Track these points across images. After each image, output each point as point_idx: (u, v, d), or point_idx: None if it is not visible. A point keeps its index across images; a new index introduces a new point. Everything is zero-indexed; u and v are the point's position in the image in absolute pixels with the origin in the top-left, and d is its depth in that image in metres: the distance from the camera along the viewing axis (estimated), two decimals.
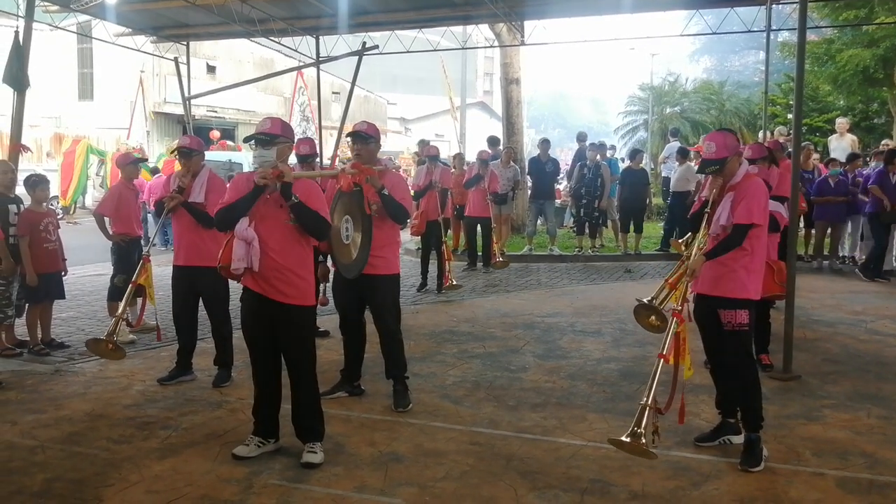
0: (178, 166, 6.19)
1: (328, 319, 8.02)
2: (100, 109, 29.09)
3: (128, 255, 7.91)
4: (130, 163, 8.17)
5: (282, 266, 4.52)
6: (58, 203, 20.07)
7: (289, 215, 4.48)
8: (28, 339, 7.42)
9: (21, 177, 7.82)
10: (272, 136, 4.58)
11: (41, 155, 24.55)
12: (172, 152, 6.29)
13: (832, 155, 13.86)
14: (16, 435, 5.14)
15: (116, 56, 23.11)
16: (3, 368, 6.73)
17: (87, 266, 12.69)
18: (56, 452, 4.83)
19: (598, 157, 14.43)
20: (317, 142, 15.04)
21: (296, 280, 4.57)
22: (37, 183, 7.49)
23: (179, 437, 5.10)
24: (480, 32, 18.82)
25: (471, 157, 13.33)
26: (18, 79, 8.32)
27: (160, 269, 12.20)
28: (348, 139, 5.68)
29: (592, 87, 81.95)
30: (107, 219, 8.02)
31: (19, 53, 8.36)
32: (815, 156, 13.83)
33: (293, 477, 4.45)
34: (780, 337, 6.53)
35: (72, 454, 4.80)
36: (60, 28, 12.90)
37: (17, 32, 8.40)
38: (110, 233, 7.97)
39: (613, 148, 18.48)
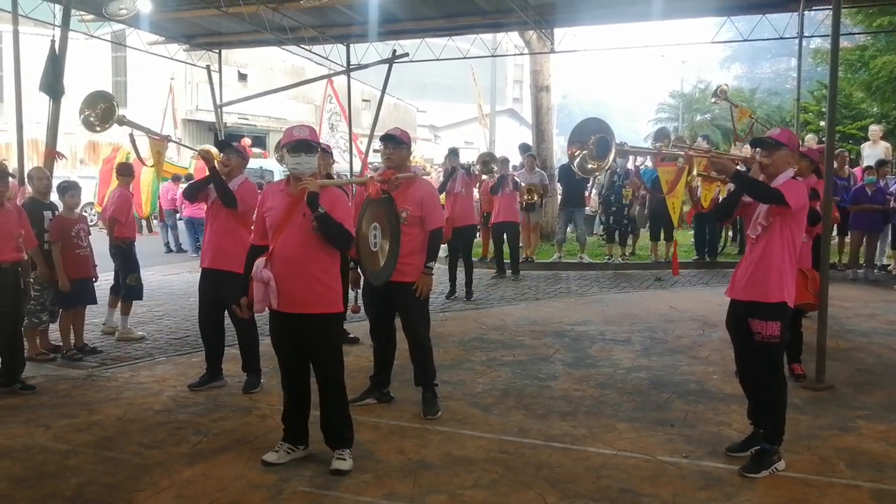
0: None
1: (358, 326, 8.04)
2: (134, 117, 29.17)
3: (132, 256, 8.29)
4: (126, 173, 8.62)
5: (306, 274, 4.51)
6: (92, 209, 20.34)
7: (312, 223, 4.48)
8: (61, 344, 7.51)
9: (56, 183, 7.95)
10: (316, 144, 4.65)
11: (75, 162, 24.92)
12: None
13: (865, 163, 13.67)
14: (49, 439, 5.20)
15: (150, 64, 23.43)
16: (37, 373, 6.81)
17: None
18: (88, 457, 4.88)
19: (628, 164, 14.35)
20: (346, 150, 15.17)
21: (320, 288, 4.56)
22: (66, 189, 7.59)
23: (210, 442, 5.13)
24: (510, 40, 18.85)
25: None
26: (54, 87, 8.45)
27: (190, 275, 12.38)
28: (380, 143, 5.70)
29: (623, 94, 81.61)
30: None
31: (55, 62, 8.49)
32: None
33: (322, 484, 4.45)
34: (813, 346, 6.45)
35: (104, 459, 4.84)
36: (95, 37, 13.09)
37: (53, 41, 8.53)
38: (114, 236, 8.17)
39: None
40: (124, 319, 8.32)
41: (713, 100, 13.09)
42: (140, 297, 8.43)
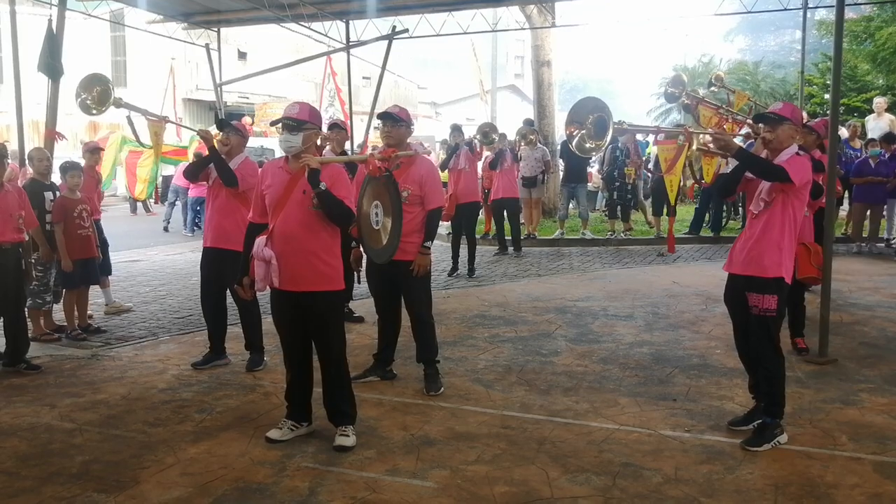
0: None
1: (362, 304, 8.06)
2: (134, 97, 29.11)
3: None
4: (89, 150, 8.57)
5: (306, 251, 4.51)
6: None
7: (313, 201, 4.46)
8: (66, 324, 7.54)
9: (56, 164, 7.94)
10: (300, 121, 4.57)
11: (76, 143, 24.85)
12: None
13: (870, 135, 13.61)
14: (55, 418, 5.23)
15: (149, 43, 23.31)
16: (42, 353, 6.85)
17: (121, 252, 12.86)
18: (93, 435, 4.91)
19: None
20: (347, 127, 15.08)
21: (321, 266, 4.56)
22: (68, 169, 7.59)
23: (214, 420, 5.16)
24: (511, 15, 18.69)
25: None
26: (52, 67, 8.41)
27: (193, 254, 12.39)
28: (378, 122, 5.69)
29: (626, 69, 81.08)
30: None
31: (53, 42, 8.44)
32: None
33: (326, 460, 4.48)
34: (816, 320, 6.45)
35: (109, 437, 4.88)
36: (93, 16, 13.00)
37: (50, 21, 8.48)
38: None
39: None
40: (107, 294, 8.54)
41: (711, 89, 13.05)
42: (109, 272, 8.62)
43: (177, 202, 17.56)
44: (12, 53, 8.34)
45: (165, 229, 17.11)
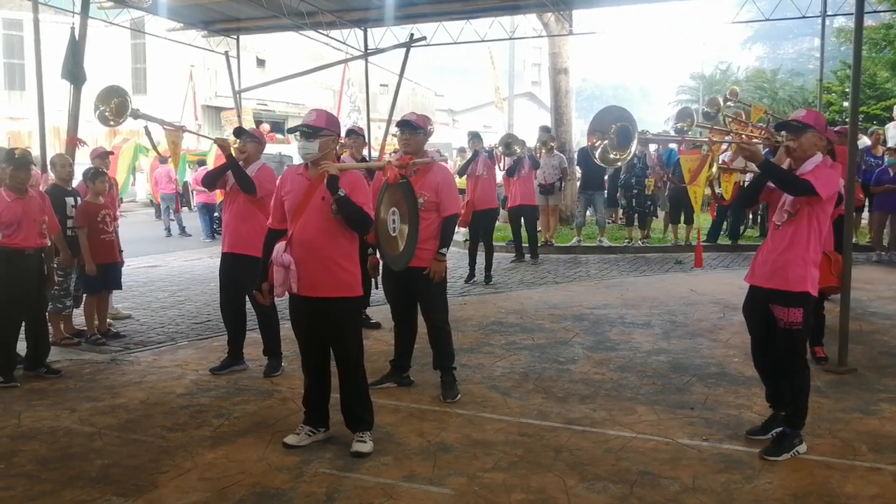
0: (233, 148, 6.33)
1: (378, 310, 8.07)
2: (153, 104, 29.40)
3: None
4: (98, 156, 8.53)
5: (325, 258, 4.53)
6: None
7: (331, 207, 4.48)
8: (86, 328, 7.60)
9: (78, 170, 8.02)
10: (316, 128, 4.59)
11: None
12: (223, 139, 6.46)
13: (890, 143, 13.52)
14: (74, 422, 5.27)
15: (169, 51, 23.51)
16: (62, 357, 6.90)
17: (140, 258, 12.97)
18: (113, 439, 4.94)
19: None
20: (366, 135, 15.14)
21: (339, 272, 4.58)
22: (95, 175, 7.68)
23: (231, 425, 5.18)
24: (528, 22, 18.71)
25: None
26: (75, 74, 8.49)
27: (211, 260, 12.47)
28: (397, 129, 5.72)
29: (643, 76, 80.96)
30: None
31: (75, 49, 8.53)
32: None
33: (343, 466, 4.49)
34: (835, 329, 6.40)
35: (128, 441, 4.91)
36: (114, 24, 13.13)
37: (72, 28, 8.57)
38: None
39: None
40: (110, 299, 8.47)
41: (727, 104, 13.01)
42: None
43: (171, 209, 18.00)
44: (35, 61, 8.43)
45: (167, 234, 17.65)
